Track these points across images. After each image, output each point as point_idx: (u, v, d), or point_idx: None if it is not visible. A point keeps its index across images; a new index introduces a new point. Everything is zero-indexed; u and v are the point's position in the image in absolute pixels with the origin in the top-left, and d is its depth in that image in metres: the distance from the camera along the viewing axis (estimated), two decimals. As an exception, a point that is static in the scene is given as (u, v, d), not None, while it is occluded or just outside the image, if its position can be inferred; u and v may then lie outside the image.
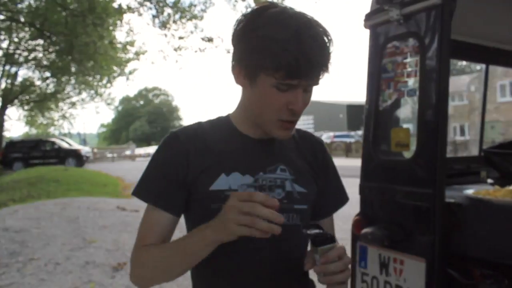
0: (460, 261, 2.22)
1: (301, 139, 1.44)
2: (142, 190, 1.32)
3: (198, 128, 1.34)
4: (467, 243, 2.15)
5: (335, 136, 40.20)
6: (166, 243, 1.28)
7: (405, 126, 2.39)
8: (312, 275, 1.28)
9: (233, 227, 1.05)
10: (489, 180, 2.80)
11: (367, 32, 2.52)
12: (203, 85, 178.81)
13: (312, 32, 1.15)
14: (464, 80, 35.31)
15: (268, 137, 1.33)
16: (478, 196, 2.25)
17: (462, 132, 33.95)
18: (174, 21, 12.70)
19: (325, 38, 1.18)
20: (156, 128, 68.75)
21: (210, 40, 12.65)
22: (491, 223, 2.13)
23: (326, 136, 36.97)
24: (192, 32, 12.95)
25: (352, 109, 58.55)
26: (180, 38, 12.84)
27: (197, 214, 1.29)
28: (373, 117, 2.45)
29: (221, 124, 1.37)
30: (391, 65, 2.32)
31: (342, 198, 1.55)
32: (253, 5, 11.25)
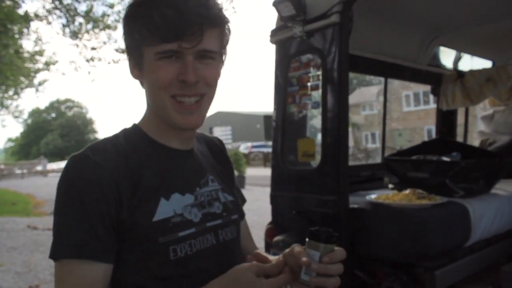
0: (366, 262, 2.36)
1: (206, 142, 1.34)
2: (64, 245, 0.99)
3: (113, 146, 1.08)
4: (370, 245, 2.29)
5: (253, 147, 40.66)
6: None
7: (311, 137, 2.52)
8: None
9: None
10: (390, 185, 3.01)
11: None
12: (119, 97, 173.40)
13: None
14: (373, 91, 37.36)
15: (189, 147, 1.20)
16: (378, 201, 2.41)
17: (373, 140, 35.84)
18: (86, 31, 12.24)
19: None
20: (69, 141, 65.46)
21: (124, 51, 12.35)
22: (390, 225, 2.28)
23: (244, 147, 37.23)
24: (105, 43, 12.53)
25: (269, 120, 59.34)
26: (93, 48, 12.38)
27: (138, 252, 1.04)
28: (281, 129, 2.55)
29: (134, 138, 1.14)
30: (296, 79, 2.43)
31: (242, 197, 1.44)
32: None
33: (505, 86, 3.54)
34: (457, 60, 4.00)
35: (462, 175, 2.55)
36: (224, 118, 57.03)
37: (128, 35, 1.08)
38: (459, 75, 3.66)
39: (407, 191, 2.43)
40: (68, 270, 0.98)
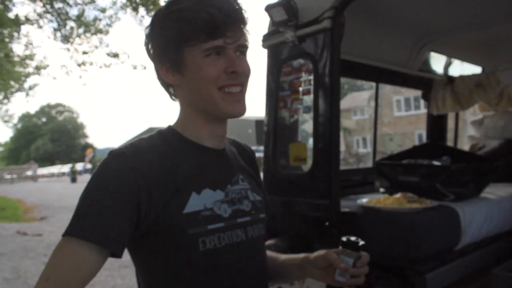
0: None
1: (237, 147, 1.40)
2: (80, 226, 1.02)
3: (148, 144, 1.15)
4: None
5: (246, 151, 40.66)
6: None
7: (302, 141, 2.53)
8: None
9: None
10: (381, 189, 3.02)
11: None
12: (110, 102, 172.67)
13: None
14: (364, 96, 37.56)
15: (221, 146, 1.27)
16: (370, 205, 2.43)
17: (365, 145, 36.01)
18: (78, 35, 12.18)
19: None
20: (60, 146, 65.10)
21: (115, 55, 12.25)
22: (381, 229, 2.30)
23: (237, 151, 37.27)
24: (97, 47, 12.44)
25: (261, 124, 59.59)
26: (84, 53, 12.30)
27: (167, 244, 1.11)
28: (272, 133, 2.56)
29: (169, 137, 1.20)
30: (288, 84, 2.44)
31: (268, 201, 1.49)
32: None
33: (494, 92, 3.58)
34: (447, 65, 4.05)
35: (453, 179, 2.57)
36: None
37: (164, 38, 1.14)
38: (449, 80, 3.70)
39: (398, 195, 2.44)
40: (64, 246, 1.02)
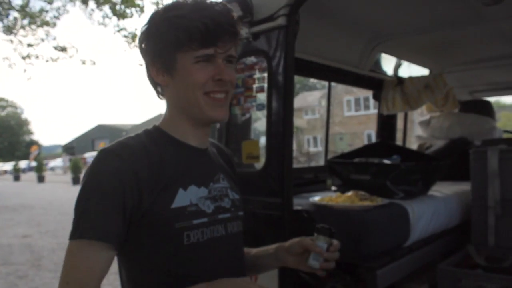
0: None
1: (216, 148, 1.48)
2: (87, 228, 1.10)
3: (135, 142, 1.21)
4: (314, 247, 2.30)
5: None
6: None
7: (255, 139, 2.51)
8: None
9: None
10: (333, 188, 3.05)
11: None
12: (57, 98, 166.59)
13: (211, 3, 1.22)
14: (316, 96, 38.17)
15: (204, 146, 1.34)
16: (322, 203, 2.44)
17: (315, 144, 36.60)
18: (22, 27, 11.64)
19: (227, 8, 1.23)
20: (2, 143, 62.18)
21: (63, 49, 11.79)
22: (334, 227, 2.30)
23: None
24: (43, 40, 11.94)
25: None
26: (29, 45, 11.77)
27: (156, 237, 1.17)
28: (225, 131, 2.53)
29: (155, 136, 1.27)
30: (241, 81, 2.42)
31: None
32: (110, 14, 10.85)
33: (441, 93, 3.70)
34: (397, 67, 4.15)
35: (402, 178, 2.63)
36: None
37: (159, 41, 1.21)
38: (399, 81, 3.79)
39: (350, 193, 2.47)
40: (75, 249, 1.10)
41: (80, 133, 61.38)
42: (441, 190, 3.01)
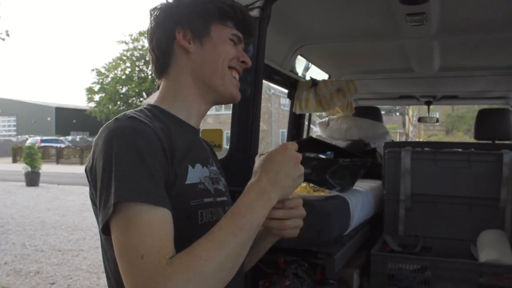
0: (267, 253, 2.44)
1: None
2: (134, 190, 0.97)
3: (145, 116, 1.13)
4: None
5: (42, 141, 37.09)
6: (214, 234, 1.00)
7: (220, 128, 2.49)
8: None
9: (301, 179, 1.18)
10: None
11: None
12: None
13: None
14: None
15: (198, 127, 1.35)
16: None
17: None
18: None
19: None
20: None
21: None
22: (289, 216, 2.41)
23: (32, 140, 33.53)
24: None
25: (62, 112, 55.19)
26: None
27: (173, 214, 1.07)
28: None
29: (156, 114, 1.21)
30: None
31: None
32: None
33: (351, 98, 4.06)
34: (306, 69, 4.42)
35: (339, 172, 2.84)
36: (7, 106, 49.79)
37: (200, 8, 1.25)
38: (313, 83, 4.05)
39: (303, 184, 2.59)
40: (146, 218, 0.95)
41: None
42: (360, 185, 3.31)
